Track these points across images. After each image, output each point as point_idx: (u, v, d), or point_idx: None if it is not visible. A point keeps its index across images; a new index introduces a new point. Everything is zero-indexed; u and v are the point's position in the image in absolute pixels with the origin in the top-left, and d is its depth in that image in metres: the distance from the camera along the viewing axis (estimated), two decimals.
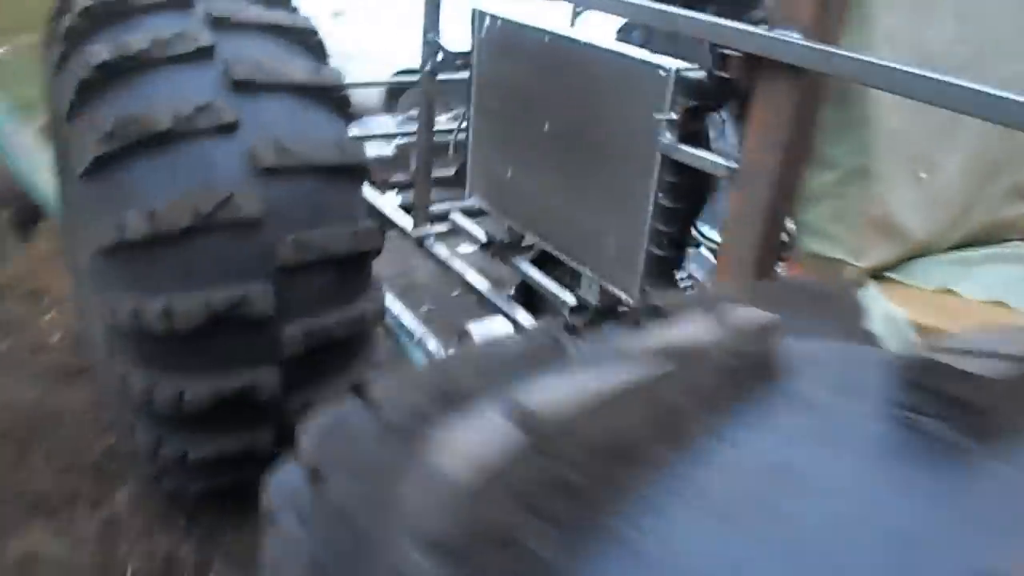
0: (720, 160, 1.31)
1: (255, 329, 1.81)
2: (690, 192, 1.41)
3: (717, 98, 1.36)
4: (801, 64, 1.13)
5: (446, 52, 1.93)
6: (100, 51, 1.74)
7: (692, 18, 1.23)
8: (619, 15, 1.60)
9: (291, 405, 1.93)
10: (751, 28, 1.16)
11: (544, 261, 1.98)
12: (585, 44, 1.52)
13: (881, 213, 1.22)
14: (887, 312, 1.15)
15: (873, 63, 1.06)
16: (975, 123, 1.02)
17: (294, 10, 2.17)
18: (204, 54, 1.85)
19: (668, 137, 1.38)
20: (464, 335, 1.97)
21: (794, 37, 1.13)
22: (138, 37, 1.80)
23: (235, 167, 1.78)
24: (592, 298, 1.67)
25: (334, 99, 2.05)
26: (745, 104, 1.27)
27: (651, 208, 1.44)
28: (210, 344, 1.78)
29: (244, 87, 1.84)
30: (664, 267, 1.49)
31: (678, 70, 1.35)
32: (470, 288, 2.03)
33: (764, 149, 1.21)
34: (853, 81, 1.14)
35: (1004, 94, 0.92)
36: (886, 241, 1.25)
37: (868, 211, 1.21)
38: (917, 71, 1.02)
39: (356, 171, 1.96)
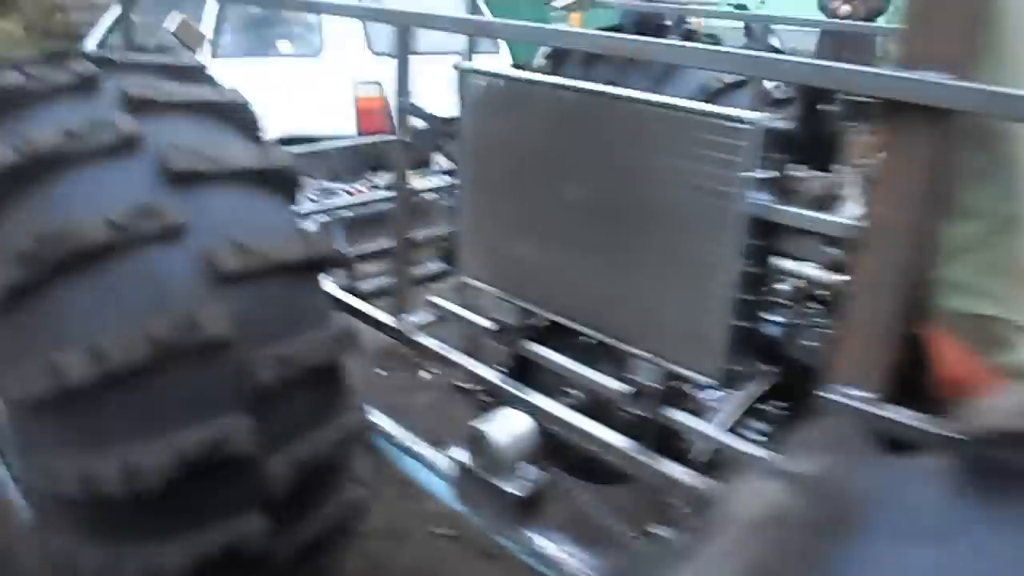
0: (840, 219, 1.14)
1: (236, 470, 1.48)
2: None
3: (805, 152, 1.20)
4: (950, 106, 0.98)
5: (429, 117, 1.67)
6: (1, 153, 1.37)
7: (817, 66, 1.05)
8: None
9: (280, 550, 1.61)
10: (890, 72, 1.00)
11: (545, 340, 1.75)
12: (632, 99, 1.32)
13: None
14: None
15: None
16: None
17: (217, 83, 1.87)
18: (130, 144, 1.52)
19: (762, 196, 1.19)
20: (479, 436, 1.71)
21: (938, 77, 0.98)
22: (46, 130, 1.45)
23: (190, 278, 1.46)
24: (651, 381, 1.45)
25: (283, 183, 1.76)
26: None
27: (734, 276, 1.25)
28: (184, 499, 1.44)
29: (184, 180, 1.53)
30: (749, 342, 1.30)
31: (765, 124, 1.17)
32: (473, 378, 1.77)
33: (900, 203, 1.05)
34: (1007, 119, 1.01)
35: None
36: None
37: (1022, 260, 1.07)
38: None
39: (325, 265, 1.68)
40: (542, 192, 1.52)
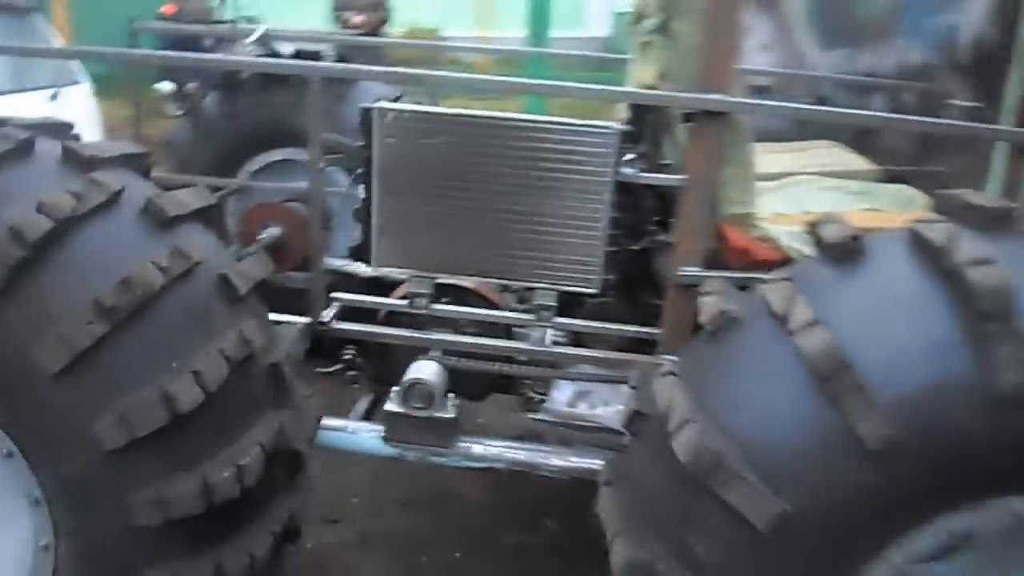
0: (675, 177, 2.05)
1: None
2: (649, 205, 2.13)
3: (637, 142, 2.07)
4: (726, 110, 1.94)
5: (349, 147, 2.13)
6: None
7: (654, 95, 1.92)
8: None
9: None
10: (703, 95, 1.91)
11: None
12: (520, 119, 2.05)
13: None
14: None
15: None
16: None
17: None
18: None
19: (627, 170, 2.04)
20: (415, 383, 2.28)
21: (719, 96, 1.93)
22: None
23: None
24: (550, 302, 2.22)
25: None
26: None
27: (607, 219, 2.08)
28: None
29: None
30: (616, 260, 2.15)
31: (619, 128, 2.02)
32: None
33: (704, 164, 1.99)
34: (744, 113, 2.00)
35: None
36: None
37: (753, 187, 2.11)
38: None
39: None
40: (449, 191, 2.14)
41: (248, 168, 3.88)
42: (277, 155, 3.96)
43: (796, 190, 2.68)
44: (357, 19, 9.27)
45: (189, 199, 1.86)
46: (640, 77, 2.52)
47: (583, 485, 3.30)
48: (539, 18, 8.33)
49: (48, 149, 1.79)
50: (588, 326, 2.42)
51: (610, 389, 2.55)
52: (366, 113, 2.13)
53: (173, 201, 1.79)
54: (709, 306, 1.73)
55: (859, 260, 1.63)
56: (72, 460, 1.60)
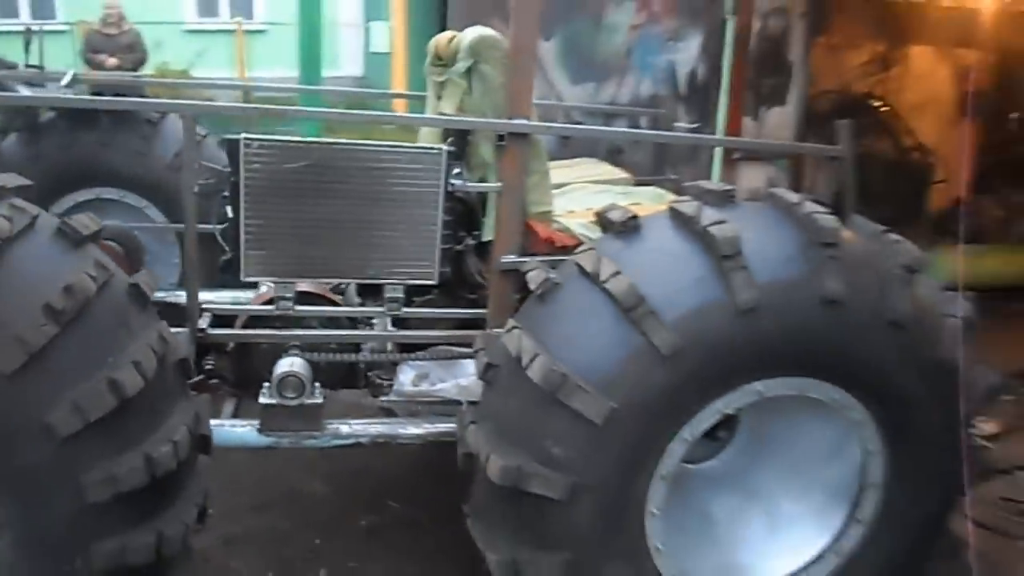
0: (493, 185, 2.60)
1: None
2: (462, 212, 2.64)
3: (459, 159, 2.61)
4: (528, 131, 2.53)
5: (218, 171, 2.45)
6: None
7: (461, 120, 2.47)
8: None
9: None
10: (512, 121, 2.49)
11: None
12: (364, 145, 2.51)
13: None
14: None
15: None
16: None
17: None
18: None
19: (456, 182, 2.56)
20: (287, 376, 2.64)
21: (521, 121, 2.52)
22: None
23: None
24: (399, 294, 2.68)
25: None
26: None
27: (439, 225, 2.59)
28: None
29: None
30: (447, 255, 2.66)
31: (447, 149, 2.54)
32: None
33: (513, 175, 2.57)
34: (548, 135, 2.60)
35: None
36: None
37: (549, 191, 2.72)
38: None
39: None
40: (307, 207, 2.54)
41: (55, 210, 3.93)
42: (86, 194, 4.05)
43: (575, 194, 3.36)
44: (111, 61, 9.11)
45: (87, 223, 2.12)
46: (441, 108, 3.07)
47: (416, 469, 3.78)
48: (310, 59, 8.75)
49: None
50: (432, 312, 2.91)
51: (444, 367, 3.05)
52: (232, 143, 2.47)
53: (80, 224, 2.05)
54: (535, 277, 2.30)
55: (638, 232, 2.28)
56: (27, 451, 1.81)
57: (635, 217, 2.31)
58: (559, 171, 3.64)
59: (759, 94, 5.08)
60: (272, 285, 2.73)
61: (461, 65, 2.81)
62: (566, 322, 2.19)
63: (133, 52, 9.31)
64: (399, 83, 11.98)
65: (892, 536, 2.44)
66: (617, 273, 2.10)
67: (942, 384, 2.29)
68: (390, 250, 2.63)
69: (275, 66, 13.13)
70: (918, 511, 2.44)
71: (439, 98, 3.13)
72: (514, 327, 2.26)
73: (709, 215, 2.17)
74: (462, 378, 3.02)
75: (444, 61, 3.15)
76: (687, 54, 5.25)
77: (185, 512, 2.09)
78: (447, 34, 3.21)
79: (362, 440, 2.81)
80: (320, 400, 2.73)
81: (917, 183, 6.42)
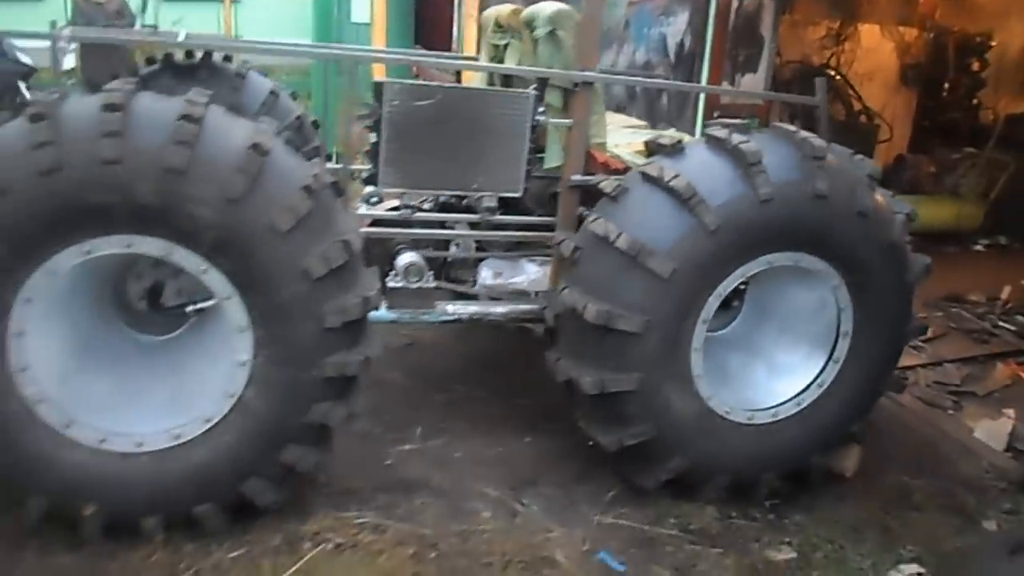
0: (566, 121, 3.48)
1: None
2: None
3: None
4: (587, 80, 3.41)
5: (372, 107, 3.28)
6: None
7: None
8: None
9: None
10: (582, 72, 3.36)
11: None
12: (474, 88, 3.34)
13: None
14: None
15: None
16: None
17: None
18: None
19: (540, 118, 3.43)
20: (412, 263, 3.49)
21: (592, 72, 3.39)
22: None
23: None
24: (493, 204, 3.55)
25: None
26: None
27: (526, 150, 3.45)
28: None
29: None
30: (532, 173, 3.53)
31: (533, 92, 3.40)
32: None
33: (582, 115, 3.44)
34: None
35: None
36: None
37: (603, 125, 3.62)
38: None
39: None
40: (432, 135, 3.37)
41: None
42: None
43: (614, 133, 4.25)
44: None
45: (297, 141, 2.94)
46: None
47: (469, 360, 4.67)
48: (324, 21, 9.58)
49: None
50: (513, 219, 3.79)
51: (512, 266, 3.94)
52: (378, 85, 3.30)
53: (299, 138, 2.87)
54: (608, 184, 3.20)
55: (683, 152, 3.20)
56: (288, 289, 2.65)
57: (680, 142, 3.23)
58: None
59: (735, 62, 6.05)
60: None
61: (541, 31, 3.68)
62: (637, 212, 3.10)
63: (123, 18, 9.83)
64: None
65: (857, 370, 3.43)
66: (677, 175, 3.01)
67: (893, 258, 3.27)
68: (489, 169, 3.50)
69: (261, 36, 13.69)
70: (876, 351, 3.43)
71: (492, 59, 4.02)
72: (597, 217, 3.15)
73: (737, 138, 3.09)
74: (528, 274, 3.93)
75: (505, 28, 4.01)
76: (676, 27, 6.19)
77: (371, 348, 2.94)
78: (507, 7, 4.08)
79: (462, 317, 3.69)
80: (433, 285, 3.60)
81: (864, 142, 7.49)
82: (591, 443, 3.72)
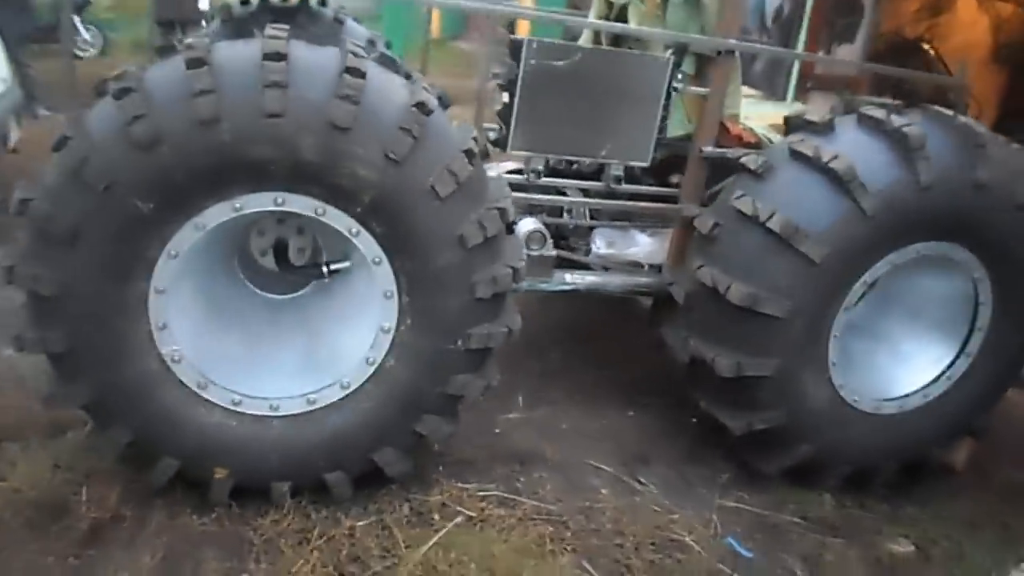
0: (702, 90, 3.33)
1: None
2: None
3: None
4: (734, 48, 3.26)
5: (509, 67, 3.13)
6: None
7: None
8: None
9: None
10: (726, 40, 3.20)
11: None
12: (610, 50, 3.19)
13: None
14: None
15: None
16: None
17: None
18: None
19: (678, 85, 3.28)
20: (535, 231, 3.38)
21: (735, 40, 3.24)
22: None
23: None
24: (619, 172, 3.43)
25: None
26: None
27: (659, 118, 3.31)
28: None
29: None
30: (660, 141, 3.40)
31: (671, 58, 3.25)
32: None
33: (719, 83, 3.29)
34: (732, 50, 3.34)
35: None
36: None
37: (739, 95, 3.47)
38: None
39: None
40: (567, 98, 3.22)
41: None
42: None
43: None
44: None
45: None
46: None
47: (560, 329, 4.57)
48: None
49: None
50: (636, 188, 3.66)
51: (625, 237, 3.82)
52: (516, 43, 3.15)
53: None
54: (751, 159, 3.07)
55: (833, 130, 3.05)
56: (443, 256, 2.54)
57: (833, 117, 3.09)
58: None
59: (833, 31, 5.82)
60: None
61: None
62: (787, 191, 2.97)
63: None
64: None
65: (989, 366, 3.33)
66: (836, 156, 2.87)
67: None
68: (620, 136, 3.36)
69: None
70: (1010, 348, 3.33)
71: (603, 18, 3.89)
72: (743, 194, 3.03)
73: (898, 120, 2.95)
74: (640, 245, 3.81)
75: None
76: None
77: (513, 320, 2.84)
78: None
79: (579, 287, 3.59)
80: (553, 253, 3.49)
81: None
82: (694, 419, 3.67)
